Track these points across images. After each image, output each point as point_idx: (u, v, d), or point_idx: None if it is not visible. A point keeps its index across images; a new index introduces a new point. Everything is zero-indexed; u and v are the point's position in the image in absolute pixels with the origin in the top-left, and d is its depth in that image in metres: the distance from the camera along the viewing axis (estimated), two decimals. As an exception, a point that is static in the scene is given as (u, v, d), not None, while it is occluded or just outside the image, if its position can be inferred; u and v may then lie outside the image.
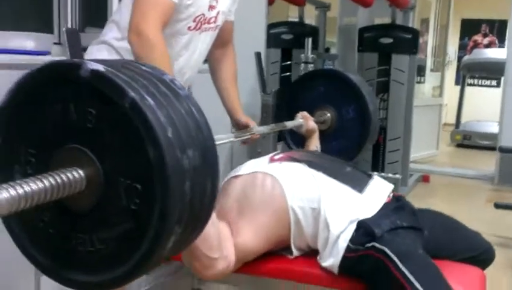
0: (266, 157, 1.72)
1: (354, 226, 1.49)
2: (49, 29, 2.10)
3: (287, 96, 2.36)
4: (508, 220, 3.80)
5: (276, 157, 1.70)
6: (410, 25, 4.55)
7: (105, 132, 0.87)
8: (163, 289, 1.70)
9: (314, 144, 2.12)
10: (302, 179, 1.58)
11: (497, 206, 3.66)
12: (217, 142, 1.14)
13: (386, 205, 1.59)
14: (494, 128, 6.40)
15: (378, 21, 4.70)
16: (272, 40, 3.93)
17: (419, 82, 6.56)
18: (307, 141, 2.14)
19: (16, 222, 0.96)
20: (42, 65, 0.91)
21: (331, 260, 1.50)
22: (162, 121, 0.85)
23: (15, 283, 1.80)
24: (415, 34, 4.20)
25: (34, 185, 0.80)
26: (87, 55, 1.71)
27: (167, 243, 0.89)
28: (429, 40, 7.27)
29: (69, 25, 1.85)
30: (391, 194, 1.68)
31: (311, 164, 1.62)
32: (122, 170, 0.87)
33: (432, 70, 7.47)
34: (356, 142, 2.23)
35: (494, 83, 9.31)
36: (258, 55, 2.18)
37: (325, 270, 1.52)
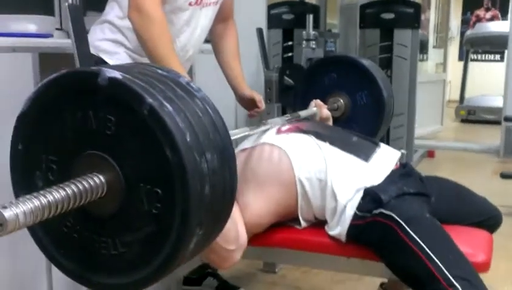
0: (273, 130, 1.73)
1: (360, 194, 1.50)
2: (50, 12, 2.10)
3: (299, 79, 2.34)
4: (515, 190, 3.82)
5: (283, 128, 1.71)
6: (411, -1, 4.52)
7: (124, 139, 0.89)
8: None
9: None
10: (309, 151, 1.59)
11: (503, 176, 3.67)
12: (232, 137, 1.15)
13: (392, 172, 1.60)
14: (498, 102, 6.38)
15: (378, -3, 4.67)
16: (273, 21, 3.92)
17: (422, 60, 6.54)
18: None
19: (39, 227, 0.98)
20: (60, 74, 0.93)
21: (338, 228, 1.51)
22: (180, 126, 0.86)
23: (27, 281, 1.83)
24: (417, 8, 4.17)
25: (56, 194, 0.82)
26: (90, 36, 1.72)
27: (189, 245, 0.91)
28: (431, 16, 7.23)
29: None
30: (398, 162, 1.69)
31: (318, 135, 1.63)
32: (143, 175, 0.89)
33: (434, 47, 7.45)
34: (370, 128, 2.21)
35: (497, 57, 9.27)
36: (259, 31, 2.18)
37: (333, 238, 1.54)
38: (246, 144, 1.68)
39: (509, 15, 5.48)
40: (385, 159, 1.65)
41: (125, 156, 0.89)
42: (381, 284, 1.93)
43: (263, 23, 3.13)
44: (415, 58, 4.24)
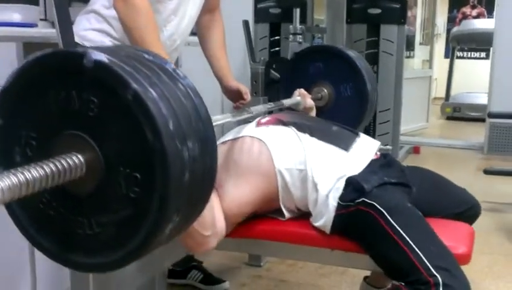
0: (253, 122, 1.73)
1: (342, 184, 1.51)
2: (35, 1, 2.09)
3: (285, 72, 2.34)
4: (497, 187, 3.86)
5: (263, 120, 1.71)
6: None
7: (107, 121, 0.88)
8: (157, 251, 1.73)
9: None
10: (288, 142, 1.59)
11: (486, 172, 3.70)
12: (214, 123, 1.15)
13: (373, 162, 1.61)
14: (483, 99, 6.44)
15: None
16: (260, 15, 3.92)
17: (408, 56, 6.57)
18: None
19: (16, 203, 0.97)
20: (45, 53, 0.91)
21: (323, 219, 1.52)
22: (164, 113, 0.85)
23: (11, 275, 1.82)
24: (403, 3, 4.19)
25: (35, 172, 0.81)
26: (76, 26, 1.71)
27: (164, 231, 0.91)
28: (418, 13, 7.28)
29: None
30: (378, 152, 1.70)
31: (298, 126, 1.64)
32: (123, 159, 0.88)
33: (421, 43, 7.49)
34: (352, 120, 2.19)
35: (483, 55, 9.34)
36: (246, 23, 2.18)
37: (318, 230, 1.54)
38: (227, 137, 1.69)
39: (494, 13, 5.52)
40: (365, 149, 1.66)
41: (106, 138, 0.89)
42: (365, 278, 1.94)
43: (250, 17, 3.13)
44: (401, 54, 4.27)
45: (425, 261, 1.32)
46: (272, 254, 1.96)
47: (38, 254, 1.80)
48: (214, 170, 0.99)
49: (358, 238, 1.48)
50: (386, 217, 1.40)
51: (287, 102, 2.02)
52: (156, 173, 0.86)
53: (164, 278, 2.11)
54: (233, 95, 2.02)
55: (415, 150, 5.33)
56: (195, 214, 1.02)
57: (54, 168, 0.84)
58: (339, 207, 1.49)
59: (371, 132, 4.23)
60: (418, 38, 7.30)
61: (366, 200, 1.44)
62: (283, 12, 3.98)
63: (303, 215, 1.60)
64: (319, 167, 1.54)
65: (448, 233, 1.50)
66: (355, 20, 4.15)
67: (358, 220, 1.45)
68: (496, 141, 5.19)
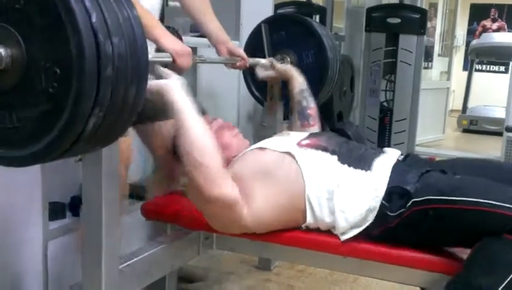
0: (294, 140, 1.68)
1: (372, 212, 1.47)
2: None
3: (249, 40, 2.37)
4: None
5: (304, 143, 1.66)
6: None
7: (31, 15, 0.91)
8: (168, 251, 1.73)
9: (299, 80, 2.10)
10: (323, 170, 1.56)
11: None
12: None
13: (399, 163, 1.59)
14: (501, 113, 6.37)
15: (386, 1, 4.69)
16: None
17: (426, 67, 6.54)
18: (289, 83, 2.12)
19: None
20: None
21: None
22: (86, 6, 0.88)
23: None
24: (423, 14, 4.18)
25: None
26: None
27: (86, 124, 0.93)
28: (437, 25, 7.24)
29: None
30: (401, 157, 1.67)
31: (336, 154, 1.60)
32: (45, 53, 0.91)
33: (439, 55, 7.45)
34: (314, 87, 2.20)
35: (502, 68, 9.26)
36: (265, 27, 2.19)
37: (330, 236, 1.52)
38: (264, 144, 1.68)
39: (515, 26, 5.49)
40: (385, 160, 1.61)
41: (31, 32, 0.92)
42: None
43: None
44: (419, 64, 4.25)
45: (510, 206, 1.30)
46: (282, 258, 1.96)
47: (51, 250, 1.83)
48: (144, 72, 1.00)
49: (430, 237, 1.45)
50: (449, 199, 1.37)
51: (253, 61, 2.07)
52: (73, 65, 0.88)
53: (175, 280, 2.10)
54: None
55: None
56: (126, 116, 1.02)
57: None
58: (391, 218, 1.45)
59: (386, 141, 4.22)
60: (436, 49, 7.26)
61: (416, 200, 1.42)
62: (302, 19, 3.98)
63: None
64: (347, 198, 1.51)
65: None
66: (374, 29, 4.14)
67: (421, 220, 1.42)
68: (513, 154, 5.13)
